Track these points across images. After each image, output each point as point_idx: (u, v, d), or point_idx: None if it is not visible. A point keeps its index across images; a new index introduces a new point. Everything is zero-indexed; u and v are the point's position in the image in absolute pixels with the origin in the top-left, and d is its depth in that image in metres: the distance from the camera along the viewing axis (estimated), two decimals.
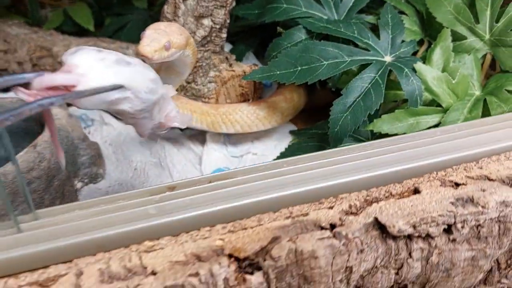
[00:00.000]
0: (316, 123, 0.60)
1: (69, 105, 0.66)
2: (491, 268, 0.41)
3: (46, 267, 0.33)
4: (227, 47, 0.70)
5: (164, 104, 0.39)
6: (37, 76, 0.31)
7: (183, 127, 0.41)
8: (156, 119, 0.39)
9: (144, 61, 0.62)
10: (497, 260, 0.41)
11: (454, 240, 0.36)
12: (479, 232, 0.37)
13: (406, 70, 0.49)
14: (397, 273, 0.36)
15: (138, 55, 0.40)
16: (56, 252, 0.33)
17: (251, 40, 0.70)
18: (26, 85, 0.31)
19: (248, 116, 0.57)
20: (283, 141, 0.63)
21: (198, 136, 0.65)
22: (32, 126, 0.60)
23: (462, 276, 0.38)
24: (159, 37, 0.41)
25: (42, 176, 0.48)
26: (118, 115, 0.37)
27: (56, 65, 0.66)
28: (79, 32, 0.76)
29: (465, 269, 0.38)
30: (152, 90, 0.36)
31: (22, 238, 0.33)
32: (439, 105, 0.50)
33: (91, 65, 0.32)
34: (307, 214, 0.35)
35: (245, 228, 0.34)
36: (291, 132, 0.64)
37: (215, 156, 0.62)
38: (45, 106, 0.30)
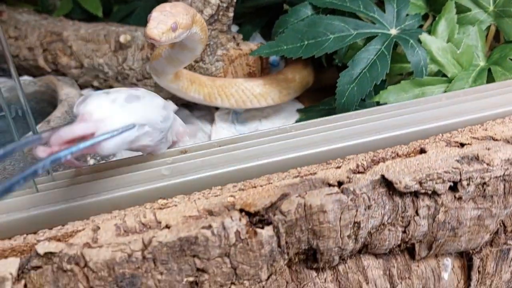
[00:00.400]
0: (322, 100, 0.61)
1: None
2: (497, 230, 0.41)
3: (63, 224, 0.34)
4: (234, 29, 0.71)
5: (174, 123, 0.39)
6: (53, 133, 0.30)
7: (193, 138, 0.41)
8: (170, 140, 0.39)
9: (153, 44, 0.63)
10: (502, 222, 0.41)
11: (460, 198, 0.37)
12: (484, 190, 0.37)
13: (411, 41, 0.50)
14: (404, 231, 0.37)
15: (145, 37, 0.40)
16: (73, 211, 0.34)
17: (257, 21, 0.71)
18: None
19: (243, 91, 0.57)
20: (291, 120, 0.64)
21: (207, 115, 0.66)
22: (45, 107, 0.61)
23: (469, 235, 0.39)
24: (165, 19, 0.42)
25: None
26: (140, 150, 0.37)
27: (67, 49, 0.68)
28: (88, 18, 0.77)
29: (471, 229, 0.39)
30: (166, 117, 0.36)
31: (40, 197, 0.34)
32: (444, 76, 0.50)
33: (104, 109, 0.31)
34: (315, 173, 0.36)
35: (255, 187, 0.35)
36: (298, 110, 0.64)
37: (223, 135, 0.63)
38: (58, 162, 0.28)
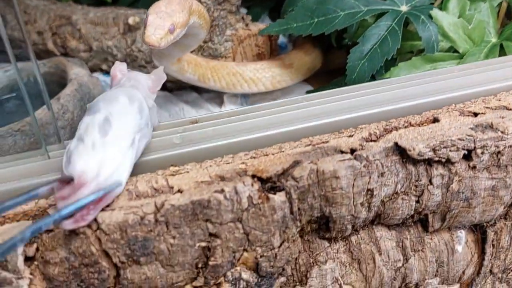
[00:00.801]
0: (332, 81, 0.61)
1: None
2: None
3: None
4: (243, 12, 0.70)
5: (140, 87, 0.37)
6: (50, 189, 0.30)
7: (164, 78, 0.39)
8: (151, 103, 0.37)
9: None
10: None
11: (474, 168, 0.37)
12: (499, 160, 0.37)
13: (423, 17, 0.50)
14: (417, 201, 0.37)
15: (144, 43, 0.40)
16: None
17: (266, 3, 0.71)
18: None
19: (234, 75, 0.57)
20: None
21: (216, 98, 0.66)
22: (55, 88, 0.61)
23: (483, 206, 0.38)
24: (162, 23, 0.40)
25: (66, 126, 0.49)
26: None
27: (75, 33, 0.68)
28: (97, 3, 0.77)
29: (486, 200, 0.38)
30: (140, 109, 0.34)
31: (52, 163, 0.34)
32: (456, 51, 0.50)
33: (91, 162, 0.30)
34: (327, 142, 0.36)
35: (267, 155, 0.35)
36: (308, 92, 0.64)
37: None
38: (62, 218, 0.28)
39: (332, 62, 0.67)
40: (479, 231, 0.41)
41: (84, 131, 0.32)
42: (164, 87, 0.67)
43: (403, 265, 0.38)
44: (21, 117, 0.49)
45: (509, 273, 0.43)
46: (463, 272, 0.41)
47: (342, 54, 0.63)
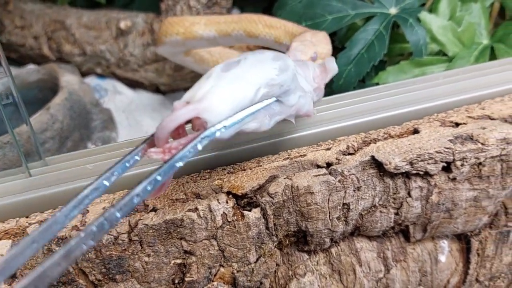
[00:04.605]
0: None
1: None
2: (497, 212, 0.40)
3: (55, 208, 0.34)
4: (235, 12, 0.70)
5: (305, 71, 0.34)
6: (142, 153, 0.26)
7: (335, 71, 0.35)
8: (309, 90, 0.33)
9: (154, 30, 0.63)
10: (503, 203, 0.40)
11: (454, 179, 0.36)
12: (480, 171, 0.36)
13: (410, 20, 0.49)
14: (396, 213, 0.37)
15: None
16: (64, 195, 0.34)
17: (260, 3, 0.70)
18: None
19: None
20: None
21: None
22: (48, 94, 0.62)
23: (465, 217, 0.38)
24: (305, 49, 0.38)
25: (55, 136, 0.50)
26: (287, 117, 0.32)
27: (70, 37, 0.68)
28: (92, 6, 0.78)
29: (468, 210, 0.38)
30: (282, 67, 0.29)
31: (33, 182, 0.35)
32: (445, 55, 0.49)
33: (202, 87, 0.27)
34: (304, 155, 0.36)
35: (244, 169, 0.35)
36: None
37: None
38: (186, 159, 0.25)
39: None
40: (463, 240, 0.41)
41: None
42: (157, 90, 0.67)
43: (384, 275, 0.38)
44: (14, 126, 0.50)
45: (496, 281, 0.43)
46: (448, 281, 0.41)
47: (334, 54, 0.62)
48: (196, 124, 0.26)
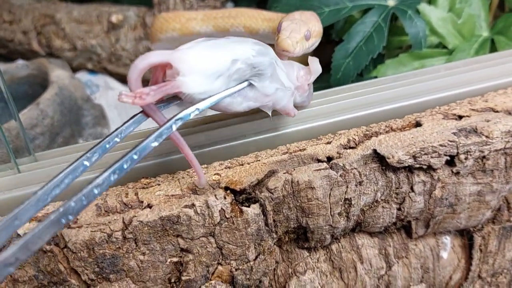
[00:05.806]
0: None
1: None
2: (500, 207, 0.40)
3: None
4: (230, 6, 0.69)
5: (288, 69, 0.34)
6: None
7: (319, 72, 0.35)
8: (289, 86, 0.33)
9: (146, 24, 0.61)
10: (506, 198, 0.40)
11: (457, 173, 0.35)
12: (484, 164, 0.36)
13: (409, 12, 0.48)
14: (399, 208, 0.36)
15: (278, 49, 0.35)
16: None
17: None
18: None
19: None
20: None
21: None
22: (38, 90, 0.60)
23: (468, 212, 0.37)
24: (297, 27, 0.37)
25: (46, 132, 0.48)
26: (261, 106, 0.32)
27: (60, 32, 0.67)
28: (82, 0, 0.76)
29: (471, 205, 0.37)
30: (260, 51, 0.30)
31: (22, 178, 0.34)
32: (445, 47, 0.48)
33: (184, 46, 0.28)
34: (304, 149, 0.35)
35: (242, 164, 0.34)
36: None
37: None
38: (160, 139, 0.26)
39: (320, 57, 0.66)
40: (465, 236, 0.40)
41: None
42: None
43: (386, 272, 0.37)
44: (3, 122, 0.49)
45: (499, 277, 0.42)
46: (450, 277, 0.40)
47: (331, 48, 0.61)
48: (168, 74, 0.27)
